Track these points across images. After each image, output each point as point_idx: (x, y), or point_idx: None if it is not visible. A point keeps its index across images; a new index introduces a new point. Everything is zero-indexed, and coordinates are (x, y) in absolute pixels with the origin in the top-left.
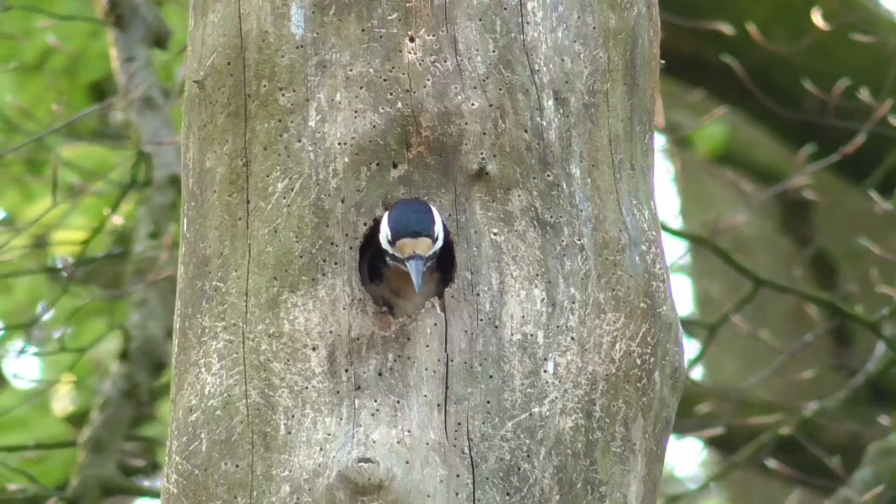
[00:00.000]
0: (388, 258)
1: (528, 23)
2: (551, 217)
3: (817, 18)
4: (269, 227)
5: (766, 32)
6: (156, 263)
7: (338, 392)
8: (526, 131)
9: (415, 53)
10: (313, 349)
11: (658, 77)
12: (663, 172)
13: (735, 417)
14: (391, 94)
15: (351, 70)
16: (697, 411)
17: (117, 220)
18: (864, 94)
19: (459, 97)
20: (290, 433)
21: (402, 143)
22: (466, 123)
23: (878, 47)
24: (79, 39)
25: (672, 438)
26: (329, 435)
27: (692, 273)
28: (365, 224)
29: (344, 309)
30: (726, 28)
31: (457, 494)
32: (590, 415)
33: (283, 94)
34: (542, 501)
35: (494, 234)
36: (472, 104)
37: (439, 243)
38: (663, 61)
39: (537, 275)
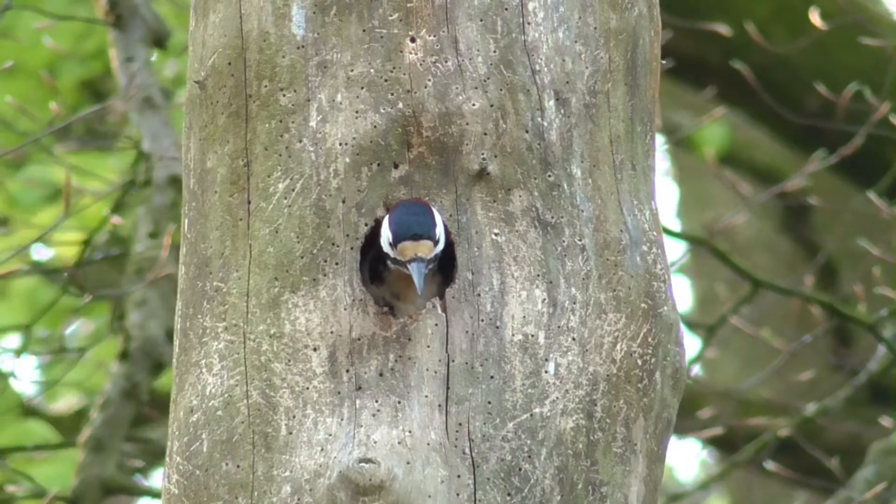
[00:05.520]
0: (389, 261)
1: (529, 23)
2: (552, 217)
3: (815, 18)
4: (270, 227)
5: (766, 32)
6: (156, 263)
7: (339, 392)
8: (527, 132)
9: (416, 54)
10: (314, 349)
11: (659, 77)
12: (663, 172)
13: (735, 418)
14: (392, 94)
15: (352, 70)
16: (699, 413)
17: (117, 220)
18: (868, 97)
19: (460, 97)
20: (291, 433)
21: (403, 143)
22: (467, 124)
23: (879, 47)
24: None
25: (673, 439)
26: (330, 435)
27: (693, 272)
28: (366, 224)
29: (345, 309)
30: (726, 30)
31: (458, 495)
32: (591, 415)
33: (283, 95)
34: (544, 502)
35: (495, 235)
36: (473, 104)
37: (440, 245)
38: (664, 61)
39: (538, 275)
